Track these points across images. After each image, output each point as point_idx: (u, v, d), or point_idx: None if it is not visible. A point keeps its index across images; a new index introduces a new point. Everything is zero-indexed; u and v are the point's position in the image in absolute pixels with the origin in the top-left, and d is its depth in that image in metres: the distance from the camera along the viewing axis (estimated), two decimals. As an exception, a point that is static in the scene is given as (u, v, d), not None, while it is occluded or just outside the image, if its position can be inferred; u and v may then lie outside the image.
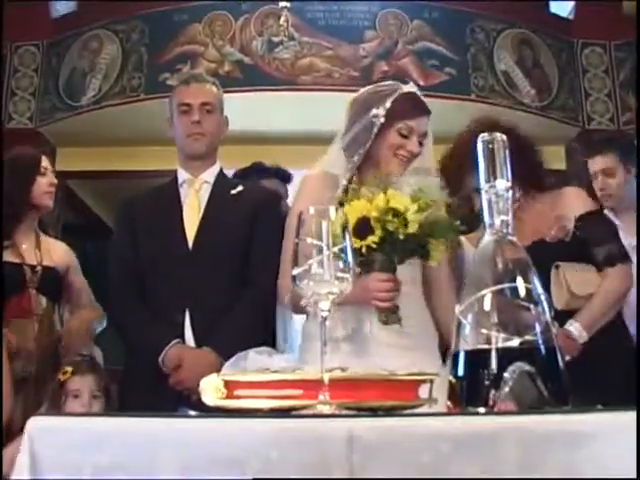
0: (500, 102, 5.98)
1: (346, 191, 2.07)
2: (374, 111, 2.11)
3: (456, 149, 2.35)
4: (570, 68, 6.41)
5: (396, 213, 1.85)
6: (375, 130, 2.11)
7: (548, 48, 6.38)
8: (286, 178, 3.45)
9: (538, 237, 2.42)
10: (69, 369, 2.45)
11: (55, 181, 2.93)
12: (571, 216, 2.43)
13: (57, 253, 2.95)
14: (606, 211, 3.01)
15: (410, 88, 2.18)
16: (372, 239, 1.81)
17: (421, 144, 2.14)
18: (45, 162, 2.95)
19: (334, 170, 2.16)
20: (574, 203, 2.47)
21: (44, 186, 2.88)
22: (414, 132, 2.12)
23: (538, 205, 2.49)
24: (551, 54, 6.37)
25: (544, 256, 2.29)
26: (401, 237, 1.84)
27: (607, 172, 3.04)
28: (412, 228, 1.84)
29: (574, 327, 2.33)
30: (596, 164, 3.08)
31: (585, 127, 6.26)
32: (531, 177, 2.44)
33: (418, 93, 2.20)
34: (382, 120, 2.10)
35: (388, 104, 2.11)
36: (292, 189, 3.33)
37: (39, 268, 2.83)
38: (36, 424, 1.02)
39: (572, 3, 6.57)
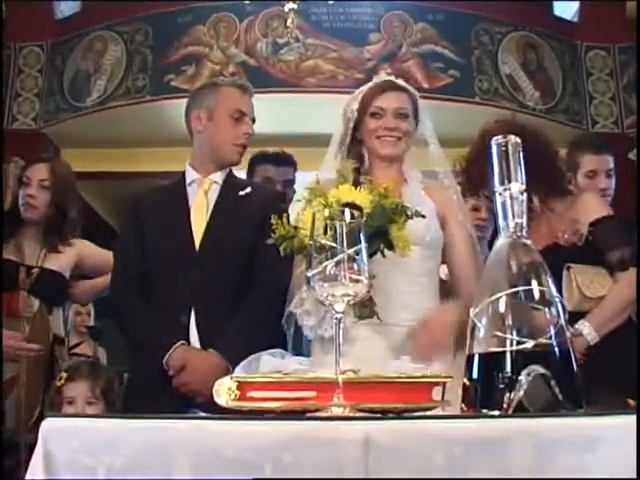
0: (504, 105, 5.99)
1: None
2: (350, 107, 2.23)
3: (478, 148, 2.35)
4: (574, 71, 6.42)
5: (348, 204, 1.85)
6: (351, 125, 2.21)
7: (552, 51, 6.38)
8: (289, 162, 3.36)
9: (552, 240, 2.43)
10: (64, 375, 2.44)
11: (32, 192, 2.88)
12: (585, 220, 2.44)
13: (67, 255, 2.94)
14: None
15: (382, 77, 2.27)
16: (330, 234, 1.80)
17: (403, 117, 2.18)
18: (31, 172, 2.92)
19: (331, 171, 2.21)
20: (589, 208, 2.48)
21: (23, 197, 2.88)
22: (386, 109, 2.18)
23: (553, 209, 2.50)
24: (555, 57, 6.38)
25: (557, 258, 2.30)
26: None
27: (609, 172, 3.02)
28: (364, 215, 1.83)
29: (585, 327, 2.34)
30: (598, 163, 3.02)
31: (589, 130, 6.26)
32: (553, 183, 2.45)
33: (391, 79, 2.26)
34: (355, 114, 2.20)
35: (360, 97, 2.22)
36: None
37: (36, 270, 2.82)
38: (50, 425, 1.02)
39: (576, 6, 6.58)
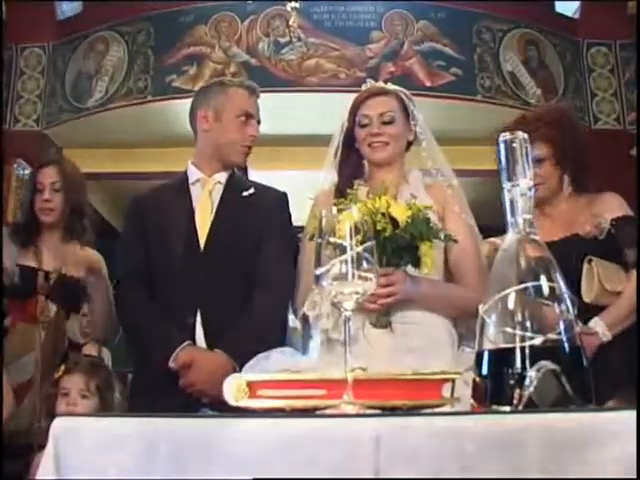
0: (506, 102, 5.99)
1: (338, 191, 2.17)
2: (343, 118, 2.30)
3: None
4: (576, 68, 6.42)
5: (384, 213, 1.91)
6: (342, 135, 2.28)
7: (554, 48, 6.38)
8: None
9: (571, 232, 2.45)
10: (62, 368, 2.46)
11: (47, 196, 2.88)
12: (607, 216, 2.44)
13: (83, 262, 2.93)
14: None
15: (368, 84, 2.31)
16: (358, 238, 1.83)
17: (389, 123, 2.21)
18: (42, 177, 2.92)
19: (330, 174, 2.30)
20: (613, 205, 2.49)
21: (39, 203, 2.89)
22: (371, 117, 2.22)
23: (576, 202, 2.53)
24: (557, 54, 6.38)
25: (576, 250, 2.33)
26: (387, 234, 1.89)
27: None
28: (398, 226, 1.91)
29: (599, 325, 2.33)
30: None
31: (591, 127, 6.26)
32: (580, 174, 2.48)
33: (378, 84, 2.31)
34: (346, 124, 2.27)
35: (349, 107, 2.28)
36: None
37: (54, 275, 2.82)
38: (61, 424, 1.02)
39: (577, 3, 6.57)
